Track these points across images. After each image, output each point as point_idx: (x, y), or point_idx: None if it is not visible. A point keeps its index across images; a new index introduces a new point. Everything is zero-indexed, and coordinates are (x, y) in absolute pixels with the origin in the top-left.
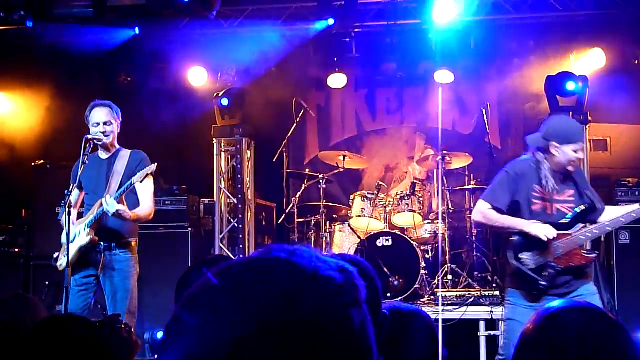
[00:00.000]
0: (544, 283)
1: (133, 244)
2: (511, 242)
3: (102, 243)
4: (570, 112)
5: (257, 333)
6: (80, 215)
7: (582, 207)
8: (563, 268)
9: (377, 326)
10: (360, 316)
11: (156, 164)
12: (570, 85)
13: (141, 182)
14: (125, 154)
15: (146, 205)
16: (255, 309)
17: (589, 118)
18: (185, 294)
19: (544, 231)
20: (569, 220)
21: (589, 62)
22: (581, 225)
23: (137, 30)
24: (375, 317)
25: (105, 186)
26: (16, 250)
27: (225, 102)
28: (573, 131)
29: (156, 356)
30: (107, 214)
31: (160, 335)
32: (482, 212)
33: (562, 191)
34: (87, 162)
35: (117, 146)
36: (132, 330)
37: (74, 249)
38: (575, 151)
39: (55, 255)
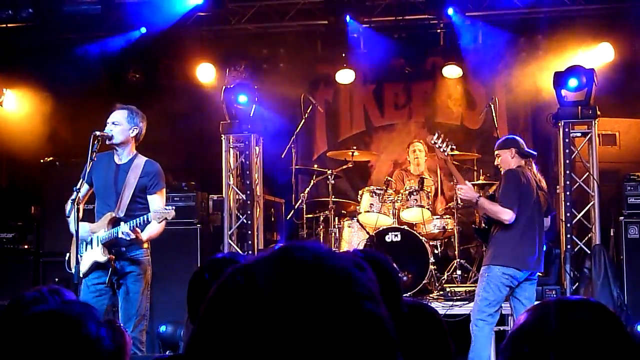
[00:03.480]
0: None
1: (145, 246)
2: None
3: (113, 250)
4: (579, 107)
5: (281, 330)
6: (87, 215)
7: None
8: None
9: (397, 321)
10: (379, 309)
11: (173, 209)
12: (572, 82)
13: (159, 222)
14: (140, 162)
15: (157, 225)
16: (279, 308)
17: (598, 112)
18: (213, 294)
19: None
20: None
21: (597, 56)
22: None
23: (143, 30)
24: (396, 311)
25: (116, 197)
26: (25, 246)
27: (242, 99)
28: None
29: (168, 352)
30: (120, 237)
31: (163, 328)
32: None
33: None
34: (94, 158)
35: (134, 152)
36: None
37: (88, 262)
38: None
39: (67, 258)
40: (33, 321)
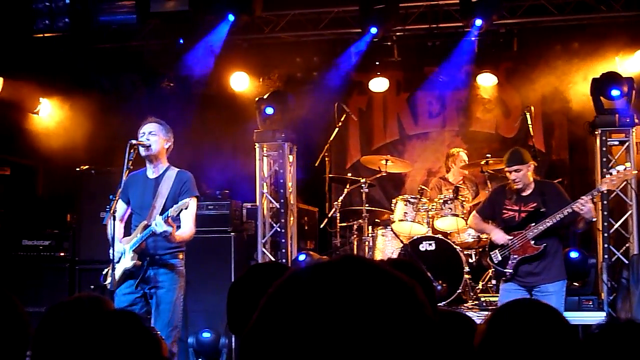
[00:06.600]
0: (509, 271)
1: (180, 256)
2: (489, 243)
3: (147, 258)
4: (616, 114)
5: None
6: (127, 232)
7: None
8: (521, 257)
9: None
10: (434, 318)
11: (190, 199)
12: (615, 93)
13: (177, 215)
14: (172, 174)
15: (187, 227)
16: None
17: (635, 120)
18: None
19: (495, 235)
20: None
21: (635, 63)
22: (530, 224)
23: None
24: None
25: (150, 209)
26: (61, 254)
27: (270, 110)
28: (506, 157)
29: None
30: (155, 232)
31: (206, 335)
32: (471, 218)
33: (526, 203)
34: (131, 167)
35: (166, 164)
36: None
37: (119, 270)
38: (508, 173)
39: (104, 272)
40: (114, 317)
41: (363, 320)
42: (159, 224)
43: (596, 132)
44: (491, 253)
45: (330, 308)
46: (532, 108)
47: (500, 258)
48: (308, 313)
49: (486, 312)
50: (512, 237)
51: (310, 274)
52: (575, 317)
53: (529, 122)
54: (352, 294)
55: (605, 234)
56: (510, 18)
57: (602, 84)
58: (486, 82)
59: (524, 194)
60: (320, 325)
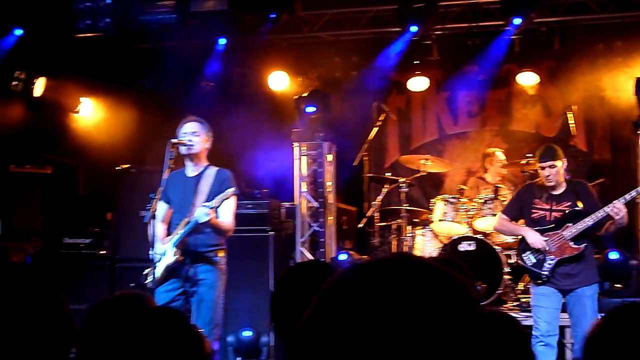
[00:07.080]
0: (545, 273)
1: (220, 254)
2: (518, 244)
3: (189, 256)
4: None
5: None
6: (168, 232)
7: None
8: (559, 259)
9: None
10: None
11: (233, 188)
12: None
13: (218, 206)
14: (212, 172)
15: (226, 221)
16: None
17: None
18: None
19: (532, 238)
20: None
21: None
22: (567, 224)
23: (222, 41)
24: None
25: (191, 207)
26: (102, 252)
27: (311, 109)
28: (539, 153)
29: (238, 359)
30: (197, 222)
31: (247, 333)
32: (497, 220)
33: (559, 202)
34: (172, 166)
35: (205, 163)
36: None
37: (160, 268)
38: (541, 169)
39: (145, 272)
40: (157, 314)
41: (418, 316)
42: (200, 210)
43: (639, 132)
44: (523, 255)
45: (385, 304)
46: (574, 107)
47: (534, 260)
48: (363, 309)
49: (526, 314)
50: (547, 239)
51: (364, 271)
52: None
53: (571, 121)
54: (407, 291)
55: None
56: (551, 16)
57: None
58: (527, 80)
59: (555, 192)
60: (376, 321)
